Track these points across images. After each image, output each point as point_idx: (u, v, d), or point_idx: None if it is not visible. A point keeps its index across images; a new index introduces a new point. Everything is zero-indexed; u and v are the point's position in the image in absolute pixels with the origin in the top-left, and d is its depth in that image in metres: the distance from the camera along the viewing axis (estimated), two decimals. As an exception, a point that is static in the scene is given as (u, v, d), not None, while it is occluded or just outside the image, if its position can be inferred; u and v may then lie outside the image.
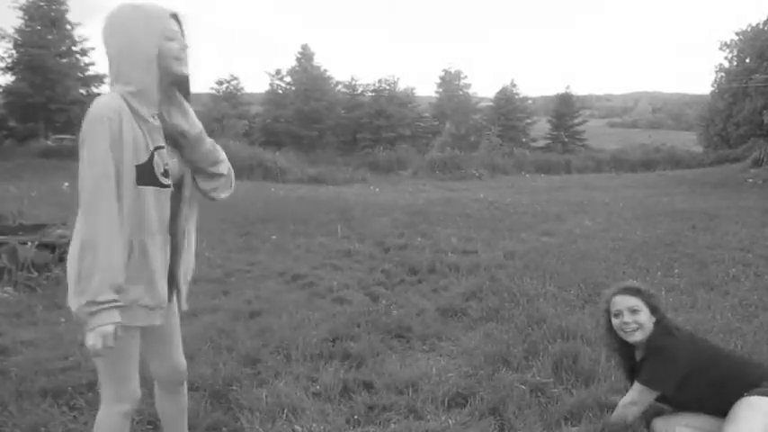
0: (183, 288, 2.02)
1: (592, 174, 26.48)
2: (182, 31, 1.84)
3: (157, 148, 1.77)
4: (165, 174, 1.80)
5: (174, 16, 1.83)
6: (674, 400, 2.63)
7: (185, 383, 2.22)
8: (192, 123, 1.91)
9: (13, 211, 7.09)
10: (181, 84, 1.88)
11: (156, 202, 1.80)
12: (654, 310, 2.64)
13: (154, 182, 1.77)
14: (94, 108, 1.70)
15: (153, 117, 1.78)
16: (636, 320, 2.62)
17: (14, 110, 24.52)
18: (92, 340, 1.65)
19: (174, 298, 2.03)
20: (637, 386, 2.59)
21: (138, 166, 1.73)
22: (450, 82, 37.08)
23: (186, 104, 1.92)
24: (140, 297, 1.80)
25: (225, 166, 2.07)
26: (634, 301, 2.64)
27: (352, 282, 5.30)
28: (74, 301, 1.77)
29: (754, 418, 2.37)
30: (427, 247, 6.89)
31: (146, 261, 1.80)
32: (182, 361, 2.14)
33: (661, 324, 2.63)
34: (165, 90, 1.84)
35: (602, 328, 2.84)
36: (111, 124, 1.68)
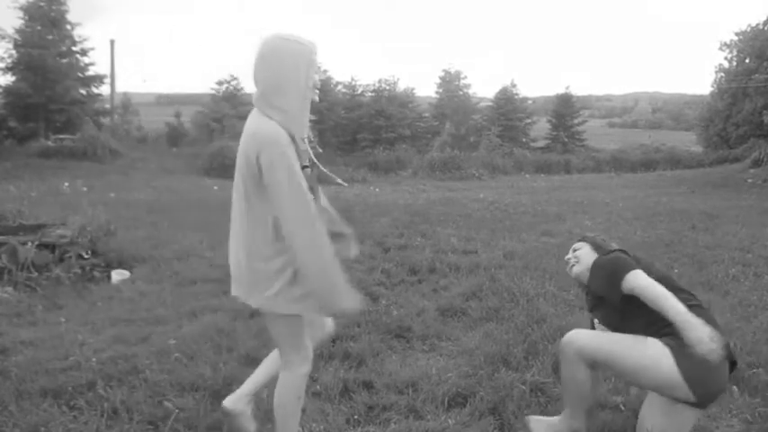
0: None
1: (592, 174, 26.47)
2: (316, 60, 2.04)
3: (304, 167, 2.02)
4: (311, 191, 2.04)
5: (315, 49, 2.03)
6: (610, 321, 2.65)
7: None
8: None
9: (13, 211, 7.09)
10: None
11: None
12: (597, 247, 2.73)
13: None
14: (273, 134, 1.95)
15: (302, 140, 2.02)
16: (575, 255, 2.76)
17: (14, 110, 24.49)
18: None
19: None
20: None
21: None
22: (450, 82, 37.06)
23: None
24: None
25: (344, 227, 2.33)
26: (578, 244, 2.81)
27: (352, 282, 5.29)
28: (258, 298, 2.16)
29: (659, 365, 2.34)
30: (427, 247, 6.89)
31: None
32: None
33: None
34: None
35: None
36: (289, 146, 1.95)
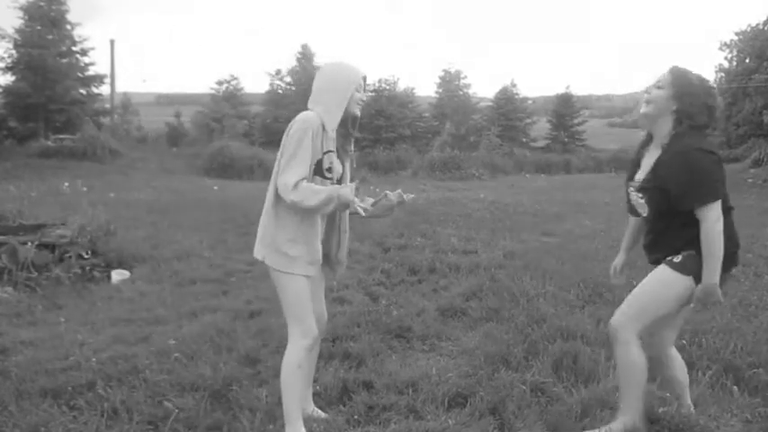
0: (342, 259, 2.74)
1: (592, 174, 26.46)
2: (365, 86, 2.62)
3: (327, 151, 2.52)
4: (329, 170, 2.53)
5: (364, 77, 2.60)
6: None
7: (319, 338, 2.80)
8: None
9: (13, 211, 7.08)
10: (353, 119, 2.64)
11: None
12: (684, 93, 2.42)
13: (321, 174, 2.51)
14: (304, 116, 2.48)
15: (332, 131, 2.52)
16: (650, 96, 2.50)
17: (14, 110, 24.43)
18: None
19: (329, 267, 2.75)
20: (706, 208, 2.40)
21: (316, 162, 2.48)
22: (450, 82, 37.01)
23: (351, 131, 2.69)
24: (304, 254, 2.51)
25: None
26: (661, 78, 2.51)
27: (352, 282, 5.30)
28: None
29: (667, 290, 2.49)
30: (427, 247, 6.89)
31: (310, 228, 2.52)
32: (324, 313, 2.84)
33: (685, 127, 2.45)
34: (343, 119, 2.57)
35: None
36: (312, 128, 2.45)
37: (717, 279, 2.41)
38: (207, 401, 2.91)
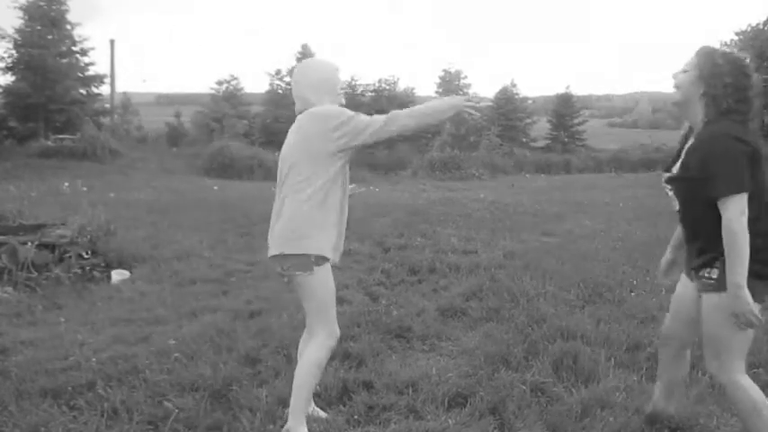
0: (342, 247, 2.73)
1: (592, 173, 26.46)
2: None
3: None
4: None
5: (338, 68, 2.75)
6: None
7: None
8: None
9: (13, 211, 7.08)
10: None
11: (346, 180, 2.67)
12: (710, 74, 2.22)
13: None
14: (331, 107, 2.60)
15: None
16: (678, 81, 2.34)
17: (14, 110, 24.41)
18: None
19: None
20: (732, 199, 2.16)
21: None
22: (450, 82, 37.01)
23: None
24: (332, 239, 2.60)
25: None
26: (689, 62, 2.32)
27: (352, 282, 5.30)
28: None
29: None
30: (427, 247, 6.89)
31: (342, 216, 2.65)
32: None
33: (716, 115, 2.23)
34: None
35: None
36: None
37: (741, 281, 2.14)
38: (207, 401, 2.91)
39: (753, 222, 2.17)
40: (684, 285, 2.55)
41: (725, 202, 2.17)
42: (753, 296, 2.18)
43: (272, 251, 2.62)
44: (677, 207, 2.44)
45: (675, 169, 2.41)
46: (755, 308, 2.18)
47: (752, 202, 2.18)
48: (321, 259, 2.56)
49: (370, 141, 2.54)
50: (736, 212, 2.15)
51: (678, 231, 2.65)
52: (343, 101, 2.75)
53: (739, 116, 2.23)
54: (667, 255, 2.75)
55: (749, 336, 2.30)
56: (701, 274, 2.35)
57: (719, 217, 2.19)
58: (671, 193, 2.43)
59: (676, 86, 2.35)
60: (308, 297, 2.61)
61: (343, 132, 2.52)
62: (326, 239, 2.57)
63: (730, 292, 2.19)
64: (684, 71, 2.33)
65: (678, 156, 2.42)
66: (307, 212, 2.54)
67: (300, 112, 2.67)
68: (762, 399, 2.30)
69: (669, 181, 2.41)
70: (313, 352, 2.60)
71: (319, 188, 2.53)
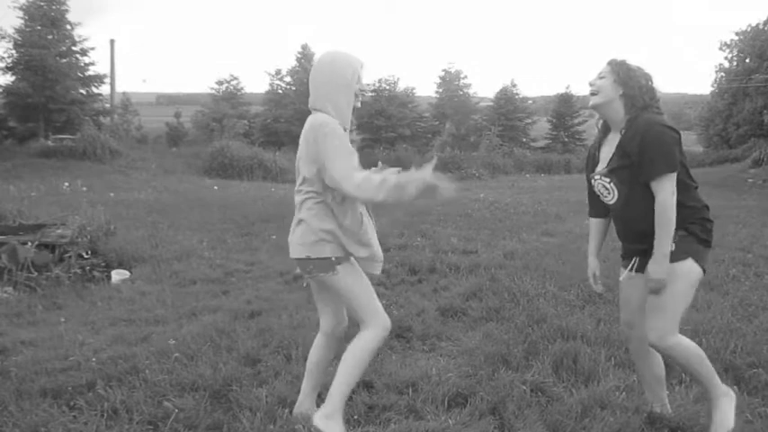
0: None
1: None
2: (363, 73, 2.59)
3: None
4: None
5: (362, 64, 2.59)
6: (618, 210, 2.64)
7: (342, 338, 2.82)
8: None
9: (13, 211, 7.09)
10: (354, 110, 2.63)
11: None
12: (625, 84, 2.53)
13: None
14: (324, 120, 2.46)
15: (345, 130, 2.52)
16: (596, 85, 2.60)
17: (14, 110, 24.45)
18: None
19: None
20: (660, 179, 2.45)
21: None
22: (450, 82, 37.03)
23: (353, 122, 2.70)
24: (374, 253, 2.64)
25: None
26: (604, 69, 2.61)
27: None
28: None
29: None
30: (427, 247, 6.89)
31: (364, 211, 2.61)
32: (345, 318, 2.80)
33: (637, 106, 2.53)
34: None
35: None
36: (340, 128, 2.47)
37: (668, 251, 2.43)
38: (207, 401, 2.91)
39: (688, 199, 2.50)
40: (628, 277, 2.72)
41: (661, 181, 2.43)
42: (705, 264, 2.56)
43: (293, 254, 2.61)
44: (612, 200, 2.64)
45: (601, 166, 2.65)
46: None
47: (681, 183, 2.47)
48: (342, 258, 2.54)
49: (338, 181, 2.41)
50: (669, 190, 2.43)
51: (595, 236, 2.87)
52: (359, 103, 2.63)
53: (656, 110, 2.55)
54: (593, 262, 2.88)
55: (688, 303, 2.60)
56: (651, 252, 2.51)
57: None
58: (609, 185, 2.62)
59: (595, 91, 2.60)
60: (343, 295, 2.59)
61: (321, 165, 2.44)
62: (347, 238, 2.53)
63: (659, 261, 2.45)
64: (602, 77, 2.60)
65: (595, 158, 2.70)
66: (323, 215, 2.51)
67: (311, 108, 2.57)
68: (698, 348, 2.60)
69: (610, 173, 2.60)
70: (369, 341, 2.57)
71: (325, 189, 2.49)
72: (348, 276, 2.56)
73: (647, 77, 2.57)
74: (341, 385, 2.55)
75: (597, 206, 2.80)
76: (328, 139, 2.42)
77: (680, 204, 2.45)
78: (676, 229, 2.45)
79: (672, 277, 2.46)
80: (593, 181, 2.71)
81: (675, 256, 2.47)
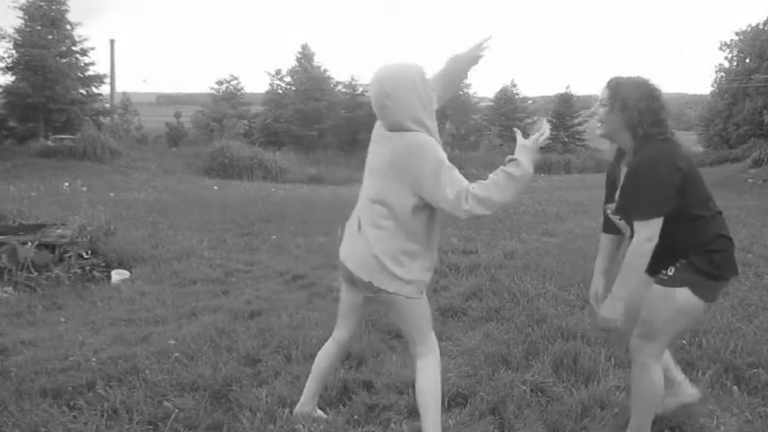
0: None
1: (592, 174, 26.47)
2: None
3: None
4: None
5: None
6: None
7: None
8: None
9: (13, 211, 7.09)
10: None
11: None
12: (623, 106, 2.31)
13: None
14: (426, 140, 2.32)
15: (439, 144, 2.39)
16: (599, 115, 2.41)
17: (14, 110, 24.46)
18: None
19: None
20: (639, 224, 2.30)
21: None
22: (450, 82, 37.07)
23: None
24: (427, 267, 2.47)
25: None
26: (603, 94, 2.40)
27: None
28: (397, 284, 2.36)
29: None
30: (427, 246, 6.88)
31: (435, 237, 2.50)
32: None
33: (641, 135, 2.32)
34: None
35: None
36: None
37: (624, 295, 2.33)
38: (207, 401, 2.91)
39: (692, 229, 2.34)
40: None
41: (638, 225, 2.29)
42: (709, 296, 2.41)
43: (364, 276, 2.39)
44: (627, 232, 2.51)
45: (617, 197, 2.50)
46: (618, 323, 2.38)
47: (686, 214, 2.30)
48: (423, 284, 2.45)
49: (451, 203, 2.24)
50: (644, 235, 2.27)
51: (605, 253, 2.75)
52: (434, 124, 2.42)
53: (660, 136, 2.31)
54: (598, 280, 2.74)
55: (679, 330, 2.53)
56: (659, 275, 2.45)
57: (669, 230, 2.28)
58: (621, 222, 2.53)
59: (600, 122, 2.43)
60: (407, 317, 2.48)
61: (430, 193, 2.28)
62: (423, 262, 2.42)
63: (612, 302, 2.35)
64: (603, 105, 2.40)
65: (614, 183, 2.54)
66: (401, 244, 2.36)
67: (397, 129, 2.34)
68: (658, 391, 2.49)
69: (617, 212, 2.50)
70: (435, 370, 2.52)
71: (409, 215, 2.34)
72: (423, 301, 2.50)
73: (649, 97, 2.32)
74: (431, 417, 2.50)
75: (611, 222, 2.65)
76: (435, 152, 2.29)
77: (683, 235, 2.32)
78: (678, 259, 2.37)
79: (663, 301, 2.39)
80: (607, 212, 2.60)
81: (671, 283, 2.39)
